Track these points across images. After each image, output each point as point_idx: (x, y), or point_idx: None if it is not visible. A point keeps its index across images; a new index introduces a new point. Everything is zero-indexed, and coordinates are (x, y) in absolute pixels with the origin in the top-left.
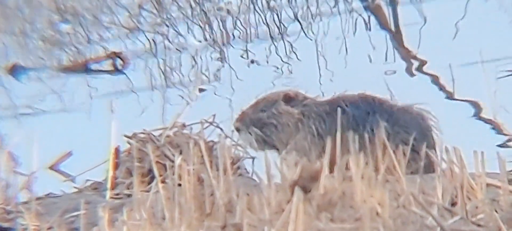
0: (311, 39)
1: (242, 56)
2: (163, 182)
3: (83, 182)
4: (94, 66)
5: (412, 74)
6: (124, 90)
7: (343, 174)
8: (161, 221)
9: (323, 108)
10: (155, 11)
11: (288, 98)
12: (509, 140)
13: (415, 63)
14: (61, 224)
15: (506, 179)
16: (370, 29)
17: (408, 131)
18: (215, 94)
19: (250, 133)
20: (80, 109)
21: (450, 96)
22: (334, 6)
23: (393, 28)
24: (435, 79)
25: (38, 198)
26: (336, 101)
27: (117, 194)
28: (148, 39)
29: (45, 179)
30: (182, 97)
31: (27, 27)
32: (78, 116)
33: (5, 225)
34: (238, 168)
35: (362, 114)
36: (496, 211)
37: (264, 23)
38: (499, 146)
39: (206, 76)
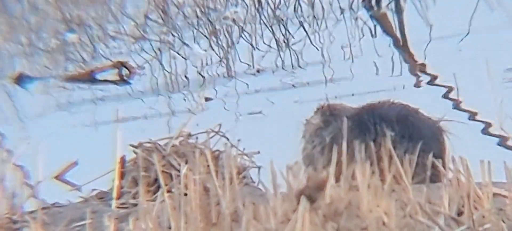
0: (317, 49)
1: (248, 65)
2: (169, 191)
3: (89, 191)
4: (99, 76)
5: (418, 84)
6: (130, 99)
7: (349, 183)
8: (167, 230)
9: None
10: (160, 20)
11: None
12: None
13: (422, 73)
14: None
15: None
16: (375, 37)
17: (418, 140)
18: (223, 104)
19: None
20: (86, 118)
21: (457, 105)
22: (341, 14)
23: (399, 36)
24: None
25: (44, 208)
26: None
27: (123, 204)
28: (154, 49)
29: (51, 189)
30: (189, 109)
31: (33, 37)
32: (84, 125)
33: None
34: (244, 177)
35: (368, 123)
36: (503, 221)
37: (270, 32)
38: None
39: (212, 85)
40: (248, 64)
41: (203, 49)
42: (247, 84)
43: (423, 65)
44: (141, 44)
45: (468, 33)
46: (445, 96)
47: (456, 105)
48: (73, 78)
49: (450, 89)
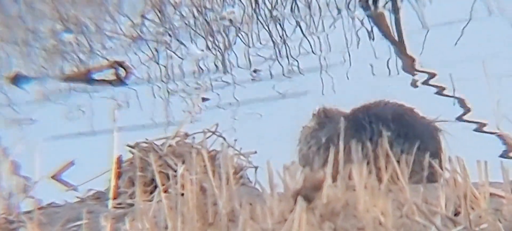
0: (314, 53)
1: (245, 65)
2: (165, 191)
3: (85, 191)
4: (96, 76)
5: (415, 86)
6: (127, 99)
7: (346, 183)
8: (163, 230)
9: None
10: (157, 20)
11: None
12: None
13: (419, 72)
14: None
15: (510, 188)
16: (373, 39)
17: (414, 139)
18: (218, 106)
19: None
20: (82, 118)
21: (466, 109)
22: (338, 14)
23: (396, 36)
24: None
25: (40, 208)
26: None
27: (120, 204)
28: (151, 49)
29: (47, 189)
30: (186, 108)
31: (30, 36)
32: (80, 126)
33: None
34: (241, 177)
35: (363, 122)
36: (499, 221)
37: (266, 33)
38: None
39: (209, 85)
40: (245, 64)
41: (200, 49)
42: (244, 84)
43: (423, 71)
44: (138, 44)
45: (465, 31)
46: (439, 93)
47: (440, 91)
48: (69, 78)
49: (443, 88)
